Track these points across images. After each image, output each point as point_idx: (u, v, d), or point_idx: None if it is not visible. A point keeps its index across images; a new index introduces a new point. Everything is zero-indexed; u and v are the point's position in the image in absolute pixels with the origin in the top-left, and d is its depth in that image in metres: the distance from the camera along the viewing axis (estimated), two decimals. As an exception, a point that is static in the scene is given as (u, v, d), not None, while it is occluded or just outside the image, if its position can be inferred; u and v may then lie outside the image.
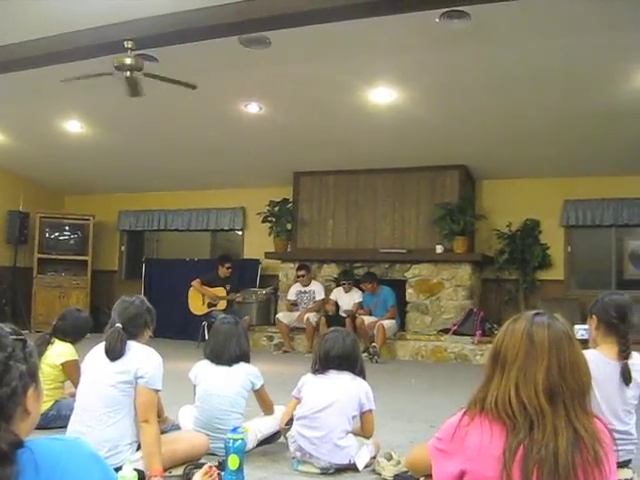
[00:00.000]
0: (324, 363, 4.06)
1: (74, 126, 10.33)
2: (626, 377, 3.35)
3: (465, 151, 10.07)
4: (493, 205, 10.93)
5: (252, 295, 10.95)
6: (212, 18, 6.50)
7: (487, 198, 11.05)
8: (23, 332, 4.45)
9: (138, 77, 7.13)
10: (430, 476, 2.26)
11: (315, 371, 4.09)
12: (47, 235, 12.77)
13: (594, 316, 3.51)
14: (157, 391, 3.57)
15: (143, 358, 3.59)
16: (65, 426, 4.67)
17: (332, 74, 8.03)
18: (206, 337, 10.18)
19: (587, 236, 10.95)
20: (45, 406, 4.74)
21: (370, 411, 4.01)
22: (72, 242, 12.94)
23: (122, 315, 3.75)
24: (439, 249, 10.42)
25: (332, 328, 4.34)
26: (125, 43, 6.79)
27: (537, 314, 2.04)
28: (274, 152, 10.67)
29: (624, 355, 3.38)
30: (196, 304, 10.68)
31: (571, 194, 10.61)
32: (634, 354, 3.43)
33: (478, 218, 10.58)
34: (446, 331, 10.14)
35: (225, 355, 4.19)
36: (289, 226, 11.52)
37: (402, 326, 10.47)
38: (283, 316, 10.50)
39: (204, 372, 4.21)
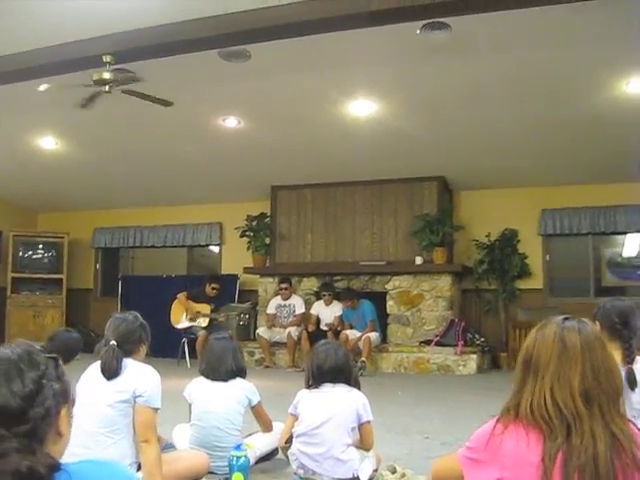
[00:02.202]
0: (318, 377, 3.98)
1: (48, 142, 10.21)
2: (631, 382, 3.33)
3: (443, 162, 10.11)
4: (471, 216, 10.97)
5: (234, 311, 10.85)
6: (192, 32, 6.47)
7: (465, 209, 11.08)
8: None
9: (115, 92, 7.09)
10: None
11: (309, 386, 4.02)
12: (21, 254, 12.58)
13: (597, 322, 3.50)
14: (156, 409, 3.49)
15: (140, 376, 3.51)
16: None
17: (311, 87, 8.03)
18: (185, 354, 10.13)
19: (565, 245, 11.04)
20: (34, 428, 4.63)
21: (368, 422, 3.95)
22: (46, 260, 12.76)
23: (115, 332, 3.67)
24: (419, 260, 10.44)
25: (322, 341, 4.28)
26: (104, 57, 6.73)
27: (566, 318, 2.04)
28: (251, 166, 10.61)
29: (628, 360, 3.38)
30: (178, 317, 10.57)
31: (549, 203, 10.69)
32: (638, 358, 3.43)
33: (457, 229, 10.63)
34: (428, 342, 10.13)
35: (221, 370, 4.12)
36: (267, 240, 11.47)
37: (384, 338, 10.44)
38: (264, 331, 10.43)
39: (200, 389, 4.14)
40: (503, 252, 10.61)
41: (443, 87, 7.90)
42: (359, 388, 4.01)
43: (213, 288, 10.79)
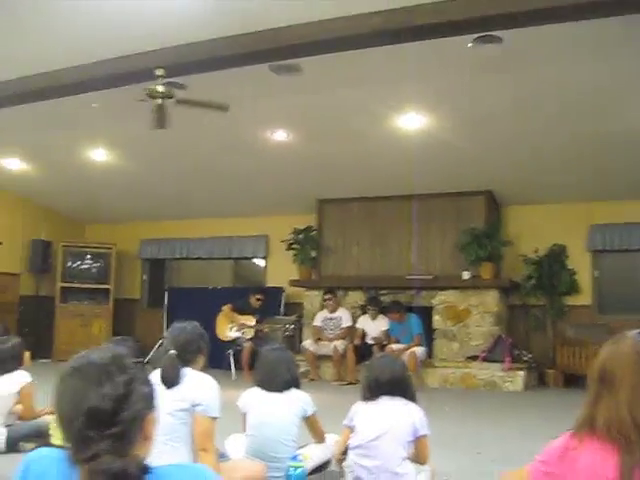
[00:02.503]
0: (375, 390, 3.96)
1: (99, 154, 10.36)
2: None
3: (491, 176, 10.05)
4: (519, 231, 10.87)
5: (280, 324, 10.88)
6: (244, 46, 6.52)
7: (513, 224, 10.99)
8: (45, 361, 4.42)
9: (167, 106, 7.17)
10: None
11: (366, 398, 4.01)
12: (69, 264, 12.75)
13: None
14: (215, 419, 3.52)
15: (199, 385, 3.54)
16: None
17: (360, 100, 8.05)
18: (231, 365, 10.17)
19: (614, 261, 10.89)
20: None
21: (424, 436, 3.93)
22: (94, 270, 12.91)
23: (175, 342, 3.71)
24: (466, 275, 10.37)
25: (380, 354, 4.29)
26: (156, 71, 6.81)
27: None
28: (298, 179, 10.67)
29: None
30: (223, 329, 10.64)
31: (597, 219, 10.55)
32: None
33: (505, 244, 10.51)
34: (474, 358, 10.05)
35: (276, 381, 4.13)
36: (313, 253, 11.49)
37: (429, 353, 10.38)
38: (309, 344, 10.42)
39: (255, 400, 4.14)
40: (551, 268, 10.48)
41: (493, 101, 7.88)
42: (416, 402, 3.99)
43: (258, 299, 10.85)
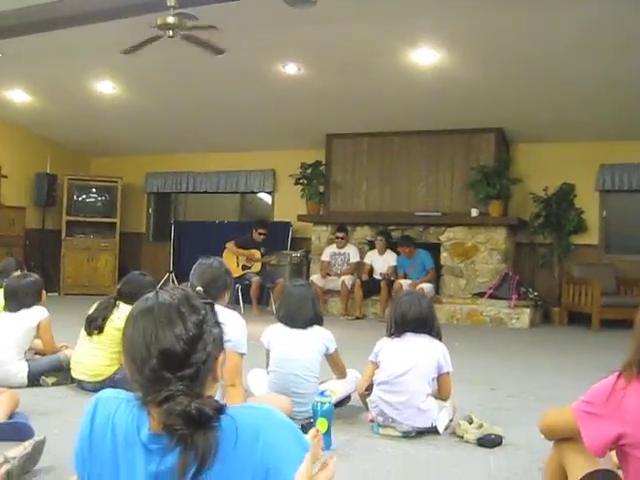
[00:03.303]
0: (400, 326, 4.00)
1: (106, 87, 10.24)
2: None
3: (502, 114, 9.94)
4: (529, 169, 10.79)
5: (286, 258, 10.89)
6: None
7: (523, 162, 10.90)
8: (52, 294, 4.40)
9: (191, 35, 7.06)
10: (564, 440, 2.24)
11: (391, 335, 4.04)
12: (75, 197, 12.69)
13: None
14: (242, 354, 3.54)
15: (228, 322, 3.51)
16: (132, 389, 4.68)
17: (375, 35, 7.93)
18: (240, 301, 10.22)
19: (622, 201, 10.85)
20: (112, 369, 4.75)
21: (448, 373, 3.98)
22: (100, 204, 12.86)
23: (201, 278, 3.72)
24: (474, 212, 10.35)
25: (406, 290, 4.33)
26: (167, 1, 6.67)
27: None
28: (308, 114, 10.56)
29: None
30: (230, 266, 10.63)
31: (607, 158, 10.47)
32: None
33: (514, 182, 10.46)
34: (481, 294, 10.11)
35: (300, 318, 4.15)
36: (321, 189, 11.45)
37: (437, 289, 10.44)
38: (317, 279, 10.45)
39: (278, 336, 4.17)
40: (560, 206, 10.44)
41: (510, 38, 7.77)
42: (440, 339, 4.02)
43: (260, 233, 10.82)
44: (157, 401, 1.41)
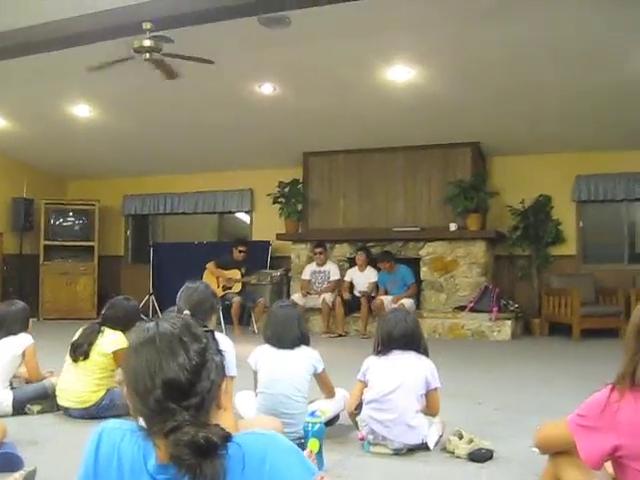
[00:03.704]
0: (387, 344, 4.02)
1: (81, 110, 10.20)
2: None
3: (478, 127, 10.03)
4: (505, 182, 10.89)
5: (266, 277, 10.88)
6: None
7: (499, 175, 11.01)
8: (32, 319, 4.37)
9: (159, 58, 7.08)
10: (560, 453, 2.26)
11: (378, 353, 4.06)
12: (52, 221, 12.63)
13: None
14: (232, 378, 3.53)
15: (215, 345, 3.54)
16: (119, 415, 4.64)
17: (349, 53, 7.98)
18: (221, 321, 10.18)
19: (599, 211, 11.00)
20: (98, 395, 4.73)
21: (436, 389, 4.00)
22: (77, 228, 12.79)
23: (188, 301, 3.73)
24: (453, 227, 10.41)
25: (392, 308, 4.33)
26: (143, 25, 6.70)
27: None
28: (284, 133, 10.60)
29: None
30: (210, 286, 10.61)
31: (583, 169, 10.60)
32: None
33: (491, 195, 10.55)
34: (462, 308, 10.15)
35: (287, 339, 4.15)
36: (299, 207, 11.47)
37: (417, 304, 10.46)
38: (298, 298, 10.43)
39: (266, 357, 4.16)
40: (537, 218, 10.55)
41: (482, 52, 7.82)
42: (427, 355, 4.04)
43: (240, 251, 10.84)
44: (163, 432, 1.41)
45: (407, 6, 6.79)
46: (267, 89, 9.11)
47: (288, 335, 4.16)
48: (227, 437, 1.43)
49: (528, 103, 9.09)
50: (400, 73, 8.43)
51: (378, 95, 9.00)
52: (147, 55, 6.96)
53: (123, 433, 1.55)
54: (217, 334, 3.51)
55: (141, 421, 1.50)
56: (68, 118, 10.46)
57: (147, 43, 6.86)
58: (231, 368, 3.50)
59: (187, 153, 11.91)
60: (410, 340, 3.99)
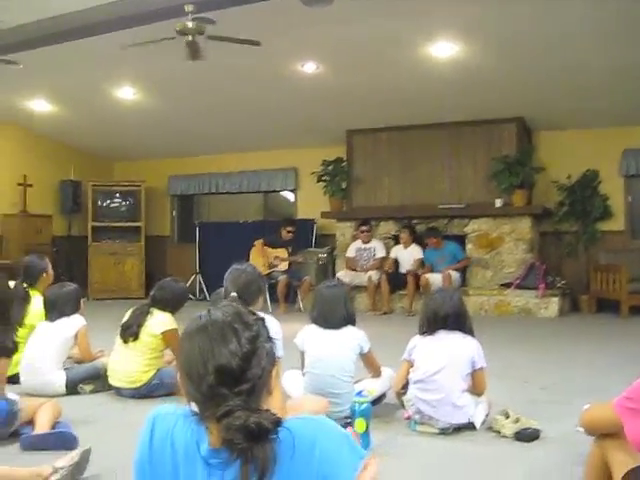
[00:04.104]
0: (433, 324, 4.02)
1: (126, 92, 10.31)
2: None
3: (523, 102, 9.91)
4: (552, 157, 10.75)
5: (313, 256, 10.92)
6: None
7: (545, 150, 10.87)
8: (83, 300, 4.46)
9: (200, 41, 7.11)
10: (606, 436, 2.26)
11: (423, 332, 4.06)
12: (100, 203, 12.84)
13: None
14: (280, 358, 3.58)
15: (264, 325, 3.58)
16: (168, 394, 4.75)
17: (392, 30, 7.91)
18: (267, 299, 10.26)
19: (648, 185, 10.78)
20: (148, 375, 4.82)
21: (482, 369, 4.00)
22: (124, 209, 12.99)
23: (235, 283, 3.76)
24: (498, 203, 10.33)
25: (438, 287, 4.31)
26: (185, 7, 6.72)
27: None
28: (327, 111, 10.58)
29: None
30: (257, 265, 10.67)
31: (630, 143, 10.39)
32: None
33: (537, 170, 10.43)
34: (508, 285, 10.09)
35: (334, 319, 4.17)
36: (344, 185, 11.47)
37: (463, 281, 10.43)
38: (343, 275, 10.48)
39: (312, 337, 4.19)
40: (584, 194, 10.41)
41: (527, 28, 7.73)
42: (473, 335, 4.04)
43: (289, 232, 10.91)
44: (216, 417, 1.45)
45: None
46: (310, 68, 9.10)
47: (334, 315, 4.18)
48: (278, 422, 1.47)
49: (572, 77, 8.94)
50: (443, 49, 8.35)
51: (421, 71, 8.94)
52: (190, 37, 7.00)
53: (176, 418, 1.59)
54: (265, 316, 3.58)
55: (194, 406, 1.54)
56: (113, 101, 10.59)
57: (190, 25, 6.89)
58: (278, 349, 3.54)
59: (230, 133, 11.97)
60: (456, 320, 3.99)
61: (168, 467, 1.55)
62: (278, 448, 1.45)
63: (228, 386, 1.46)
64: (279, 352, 3.55)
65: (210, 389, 1.47)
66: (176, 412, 1.62)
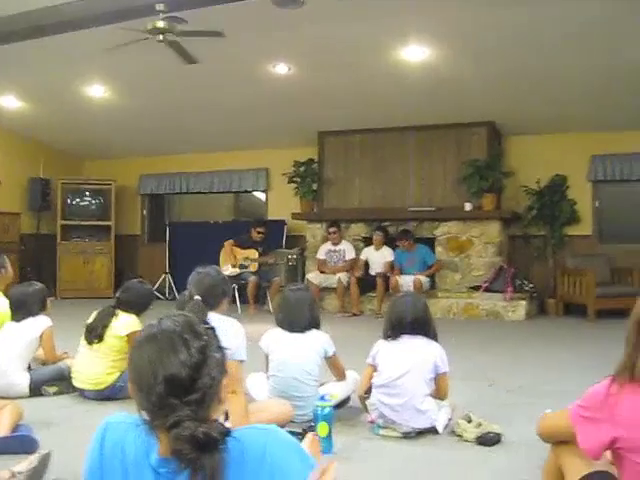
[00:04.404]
0: (397, 329, 4.04)
1: (96, 90, 10.23)
2: None
3: (493, 107, 9.98)
4: (521, 161, 10.85)
5: (283, 257, 10.92)
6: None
7: (515, 154, 10.96)
8: (49, 299, 4.40)
9: (173, 40, 7.10)
10: (562, 443, 2.28)
11: (387, 337, 4.08)
12: (69, 201, 12.73)
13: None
14: (242, 362, 3.58)
15: (226, 330, 3.57)
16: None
17: (364, 33, 7.94)
18: (236, 300, 10.25)
19: (615, 191, 10.90)
20: (112, 377, 4.79)
21: (445, 374, 4.02)
22: (94, 207, 12.89)
23: (199, 287, 3.74)
24: (468, 207, 10.39)
25: (402, 292, 4.34)
26: (156, 6, 6.69)
27: None
28: (299, 112, 10.58)
29: None
30: (227, 264, 10.66)
31: (599, 149, 10.52)
32: None
33: (506, 175, 10.51)
34: (477, 288, 10.15)
35: (299, 322, 4.19)
36: (315, 186, 11.48)
37: (432, 284, 10.48)
38: (313, 277, 10.50)
39: (277, 340, 4.21)
40: (552, 198, 10.51)
41: (498, 32, 7.78)
42: (436, 340, 4.06)
43: (259, 232, 10.89)
44: (165, 426, 1.45)
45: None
46: (282, 69, 9.09)
47: (299, 319, 4.20)
48: (226, 432, 1.47)
49: (543, 83, 9.03)
50: (415, 53, 8.39)
51: (393, 75, 8.97)
52: (161, 36, 6.99)
53: (127, 427, 1.59)
54: (228, 319, 3.58)
55: (144, 415, 1.54)
56: (83, 98, 10.50)
57: (160, 24, 6.87)
58: (241, 353, 3.54)
59: (203, 133, 11.93)
60: (420, 325, 4.01)
61: (118, 475, 1.55)
62: (227, 458, 1.45)
63: (177, 396, 1.46)
64: (242, 356, 3.56)
65: (159, 399, 1.47)
66: (127, 421, 1.61)
